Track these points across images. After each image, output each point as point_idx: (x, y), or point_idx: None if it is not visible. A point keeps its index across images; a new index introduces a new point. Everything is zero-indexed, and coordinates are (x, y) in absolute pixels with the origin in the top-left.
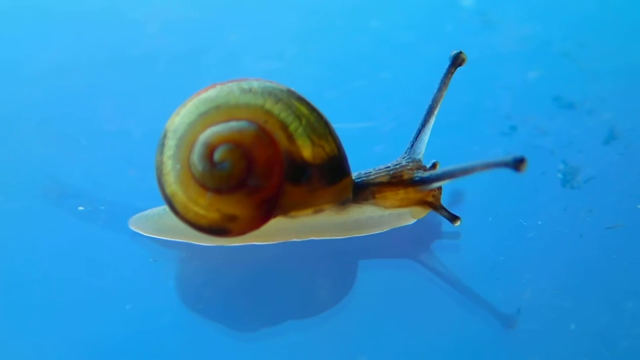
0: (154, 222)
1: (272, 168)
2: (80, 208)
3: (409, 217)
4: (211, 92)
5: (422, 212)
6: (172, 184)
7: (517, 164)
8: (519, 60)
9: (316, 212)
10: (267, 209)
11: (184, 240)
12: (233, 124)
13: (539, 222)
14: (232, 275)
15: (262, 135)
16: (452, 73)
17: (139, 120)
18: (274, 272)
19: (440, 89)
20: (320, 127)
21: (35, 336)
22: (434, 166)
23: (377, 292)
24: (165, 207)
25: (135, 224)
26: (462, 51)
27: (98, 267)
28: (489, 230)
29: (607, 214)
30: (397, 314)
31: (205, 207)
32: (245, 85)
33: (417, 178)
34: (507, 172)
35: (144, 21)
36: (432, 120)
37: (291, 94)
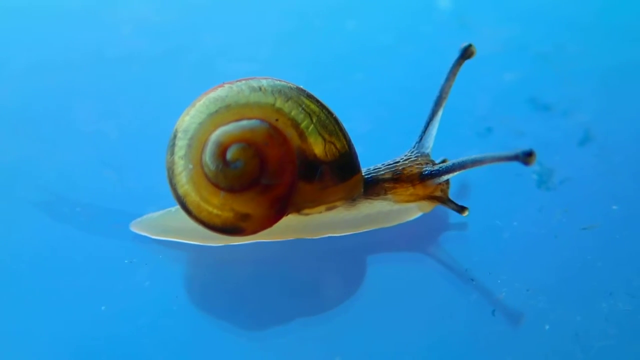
0: (159, 223)
1: (285, 166)
2: (56, 209)
3: (416, 211)
4: (220, 92)
5: (429, 206)
6: (185, 184)
7: (525, 157)
8: (496, 62)
9: (328, 209)
10: (280, 207)
11: (190, 242)
12: (244, 123)
13: (515, 223)
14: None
15: (274, 133)
16: (461, 64)
17: (115, 121)
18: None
19: (447, 80)
20: (331, 124)
21: (10, 338)
22: (443, 162)
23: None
24: (170, 209)
25: (139, 227)
26: (472, 44)
27: (73, 269)
28: (464, 231)
29: (582, 214)
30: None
31: (218, 206)
32: (254, 83)
33: (426, 172)
34: (483, 175)
35: (120, 23)
36: (440, 113)
37: (300, 91)
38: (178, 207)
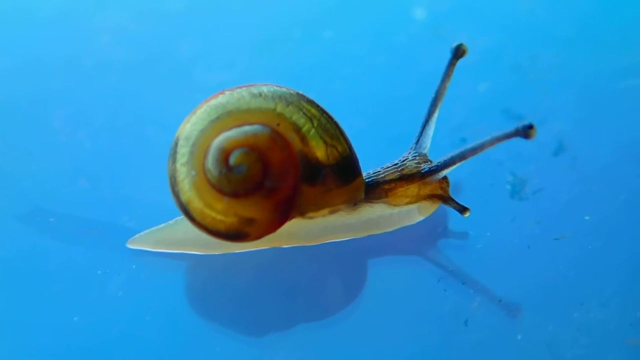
0: (158, 237)
1: (288, 169)
2: (30, 219)
3: (417, 214)
4: (221, 99)
5: (430, 208)
6: (187, 191)
7: (526, 130)
8: (470, 73)
9: (332, 212)
10: (284, 210)
11: (192, 252)
12: (247, 128)
13: (488, 233)
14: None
15: (276, 137)
16: (454, 64)
17: (90, 130)
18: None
19: (442, 82)
20: (332, 128)
21: None
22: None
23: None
24: (169, 222)
25: (138, 242)
26: (463, 43)
27: (46, 279)
28: (438, 241)
29: (555, 225)
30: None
31: (222, 212)
32: (254, 90)
33: (425, 169)
34: (456, 185)
35: (97, 31)
36: (437, 113)
37: (300, 96)
38: (177, 219)
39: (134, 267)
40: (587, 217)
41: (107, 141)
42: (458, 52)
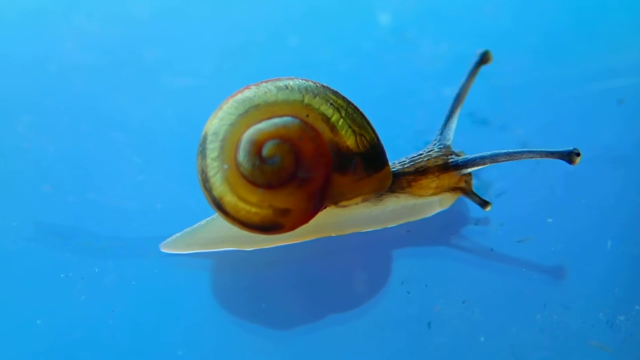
0: (190, 239)
1: (320, 159)
2: None
3: (437, 205)
4: (247, 93)
5: (451, 199)
6: (219, 186)
7: (572, 156)
8: (434, 77)
9: (364, 200)
10: (317, 199)
11: (225, 249)
12: (276, 120)
13: (451, 236)
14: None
15: (306, 128)
16: (479, 68)
17: (54, 136)
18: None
19: (467, 80)
20: (359, 117)
21: None
22: (459, 155)
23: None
24: (200, 222)
25: (171, 246)
26: (489, 50)
27: (8, 283)
28: (401, 243)
29: (518, 227)
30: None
31: (257, 204)
32: (280, 83)
33: (452, 162)
34: None
35: (63, 37)
36: (460, 107)
37: (326, 88)
38: (206, 220)
39: (96, 270)
40: (550, 220)
41: (71, 146)
42: (483, 59)
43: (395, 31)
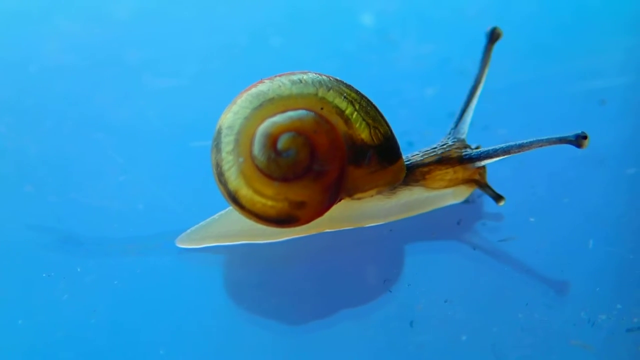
0: (204, 233)
1: (334, 152)
2: None
3: (450, 198)
4: (261, 87)
5: (466, 192)
6: (235, 179)
7: (579, 140)
8: (417, 78)
9: (378, 192)
10: (333, 192)
11: (240, 242)
12: (291, 114)
13: (433, 235)
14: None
15: (321, 121)
16: (491, 49)
17: (35, 137)
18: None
19: (481, 69)
20: (372, 110)
21: None
22: (477, 148)
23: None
24: (214, 217)
25: (185, 241)
26: (497, 26)
27: None
28: (383, 243)
29: (500, 227)
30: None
31: (272, 197)
32: (294, 77)
33: (466, 156)
34: None
35: (44, 38)
36: (475, 100)
37: (339, 82)
38: (220, 213)
39: (78, 270)
40: (532, 219)
41: (53, 146)
42: (493, 36)
43: (378, 32)
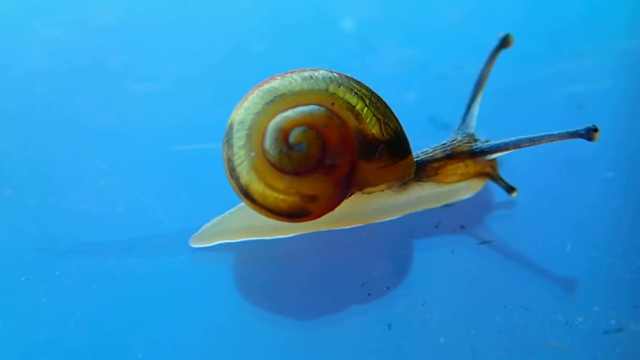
0: (216, 230)
1: (346, 146)
2: None
3: (465, 191)
4: (273, 83)
5: (478, 186)
6: (246, 174)
7: (590, 133)
8: (397, 82)
9: (388, 187)
10: (344, 186)
11: (251, 238)
12: (302, 109)
13: (412, 239)
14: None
15: (332, 116)
16: (498, 52)
17: (16, 141)
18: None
19: (487, 65)
20: (382, 106)
21: None
22: (486, 142)
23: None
24: (225, 214)
25: (198, 240)
26: (510, 34)
27: None
28: (362, 246)
29: (479, 230)
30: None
31: (284, 190)
32: (305, 74)
33: (477, 149)
34: None
35: (26, 42)
36: (481, 95)
37: (349, 78)
38: (231, 211)
39: (57, 273)
40: (510, 222)
41: (33, 151)
42: (504, 43)
43: (359, 37)
